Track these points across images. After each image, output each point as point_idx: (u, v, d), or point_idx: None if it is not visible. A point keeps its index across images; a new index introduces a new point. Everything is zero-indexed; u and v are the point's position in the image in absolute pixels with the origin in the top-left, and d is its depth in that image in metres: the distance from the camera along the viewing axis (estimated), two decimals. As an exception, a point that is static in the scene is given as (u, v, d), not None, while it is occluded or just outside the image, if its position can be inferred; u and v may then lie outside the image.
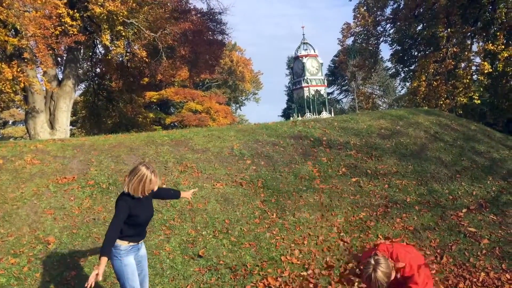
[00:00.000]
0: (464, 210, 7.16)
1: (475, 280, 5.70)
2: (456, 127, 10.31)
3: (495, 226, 6.82)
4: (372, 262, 3.42)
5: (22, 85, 13.80)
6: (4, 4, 12.08)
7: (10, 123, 49.61)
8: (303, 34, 32.18)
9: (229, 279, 5.71)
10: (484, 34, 19.31)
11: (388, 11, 22.90)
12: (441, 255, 6.22)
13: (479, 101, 19.16)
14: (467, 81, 18.61)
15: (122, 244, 4.27)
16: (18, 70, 13.39)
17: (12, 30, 14.14)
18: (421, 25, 21.79)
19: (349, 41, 25.33)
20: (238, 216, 6.84)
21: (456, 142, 9.42)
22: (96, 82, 23.74)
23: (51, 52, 14.70)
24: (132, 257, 4.33)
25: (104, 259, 4.01)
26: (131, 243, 4.31)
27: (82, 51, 19.91)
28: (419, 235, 6.63)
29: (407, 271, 3.48)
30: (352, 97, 49.26)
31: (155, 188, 4.37)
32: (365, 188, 7.69)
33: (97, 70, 23.36)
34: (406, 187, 7.77)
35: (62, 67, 18.48)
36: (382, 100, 47.64)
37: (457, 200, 7.47)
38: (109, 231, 4.10)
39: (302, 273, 5.84)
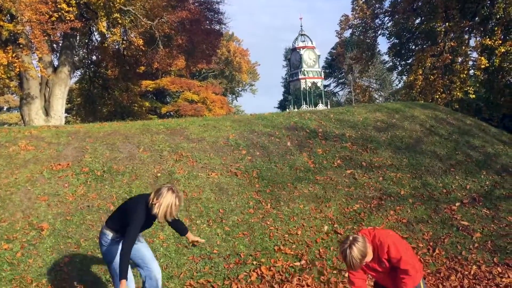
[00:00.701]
0: (457, 204, 7.20)
1: (466, 273, 5.75)
2: (451, 121, 10.34)
3: (487, 220, 6.87)
4: (350, 238, 3.50)
5: (17, 70, 13.70)
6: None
7: (5, 109, 49.31)
8: (301, 26, 32.04)
9: (223, 268, 5.74)
10: (482, 29, 19.29)
11: (386, 4, 22.84)
12: (433, 247, 6.27)
13: (474, 96, 19.19)
14: (464, 75, 18.62)
15: (110, 233, 4.27)
16: (13, 55, 13.28)
17: (8, 15, 14.01)
18: (419, 19, 21.75)
19: (347, 33, 25.30)
20: (232, 206, 6.85)
21: (451, 136, 9.45)
22: (92, 69, 23.61)
23: (46, 38, 14.60)
24: (119, 246, 4.26)
25: (123, 282, 3.93)
26: (118, 235, 4.27)
27: (78, 38, 19.77)
28: (412, 227, 6.67)
29: (392, 251, 3.53)
30: (349, 90, 49.24)
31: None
32: (360, 180, 7.71)
33: (93, 57, 23.22)
34: (400, 180, 7.80)
35: (58, 54, 18.35)
36: (379, 94, 47.65)
37: (450, 193, 7.51)
38: (127, 248, 4.00)
39: (295, 263, 5.87)
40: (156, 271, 4.49)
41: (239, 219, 6.58)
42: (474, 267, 5.86)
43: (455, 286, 5.44)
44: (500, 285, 5.43)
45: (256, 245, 6.16)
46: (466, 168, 8.26)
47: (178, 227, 4.66)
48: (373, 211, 6.93)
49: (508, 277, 5.59)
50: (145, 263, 4.46)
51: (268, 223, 6.55)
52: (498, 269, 5.80)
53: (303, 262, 5.90)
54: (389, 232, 3.73)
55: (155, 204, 4.04)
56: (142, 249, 4.48)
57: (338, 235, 6.40)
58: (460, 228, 6.64)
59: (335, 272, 5.75)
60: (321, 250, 6.10)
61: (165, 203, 4.01)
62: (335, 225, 6.59)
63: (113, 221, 4.33)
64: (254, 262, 5.86)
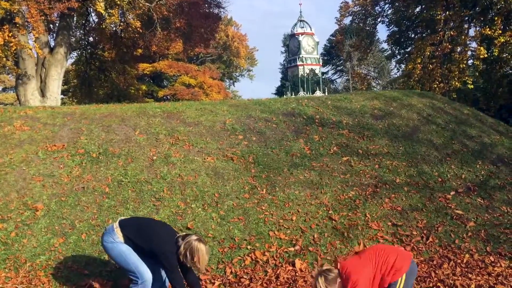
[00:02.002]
0: (452, 193, 7.23)
1: (459, 261, 5.79)
2: (449, 111, 10.33)
3: (482, 209, 6.91)
4: (324, 269, 3.82)
5: (13, 48, 13.54)
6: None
7: (0, 89, 48.92)
8: (300, 12, 31.81)
9: (217, 251, 5.75)
10: (482, 19, 19.21)
11: (387, -10, 22.68)
12: (427, 236, 6.30)
13: (472, 86, 19.17)
14: (463, 65, 18.58)
15: (120, 238, 4.28)
16: (10, 35, 13.12)
17: (4, -7, 13.79)
18: (420, 7, 21.62)
19: (347, 20, 25.14)
20: (228, 190, 6.84)
21: (448, 126, 9.45)
22: (89, 51, 23.32)
23: (43, 18, 14.38)
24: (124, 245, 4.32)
25: None
26: (127, 245, 4.30)
27: (75, 19, 19.52)
28: (407, 215, 6.69)
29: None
30: (347, 77, 49.09)
31: None
32: (356, 167, 7.71)
33: (89, 39, 22.92)
34: (396, 168, 7.81)
35: (54, 35, 18.12)
36: (377, 82, 47.54)
37: (445, 182, 7.53)
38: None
39: (289, 249, 5.90)
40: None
41: (234, 204, 6.58)
42: (467, 255, 5.90)
43: (448, 274, 5.47)
44: (492, 274, 5.46)
45: (250, 229, 6.17)
46: (462, 158, 8.28)
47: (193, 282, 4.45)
48: (368, 199, 6.95)
49: (500, 266, 5.64)
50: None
51: (263, 208, 6.56)
52: (491, 258, 5.84)
53: (297, 247, 5.92)
54: (362, 269, 3.75)
55: (194, 261, 4.09)
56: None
57: (333, 221, 6.42)
58: (454, 217, 6.67)
59: (329, 258, 5.78)
60: (315, 236, 6.13)
61: (198, 260, 4.11)
62: (330, 212, 6.60)
63: (134, 233, 4.30)
64: (249, 247, 5.88)
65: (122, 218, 4.59)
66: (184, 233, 4.35)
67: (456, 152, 8.45)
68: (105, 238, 4.32)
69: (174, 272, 4.15)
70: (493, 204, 7.03)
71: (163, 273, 4.47)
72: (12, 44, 13.04)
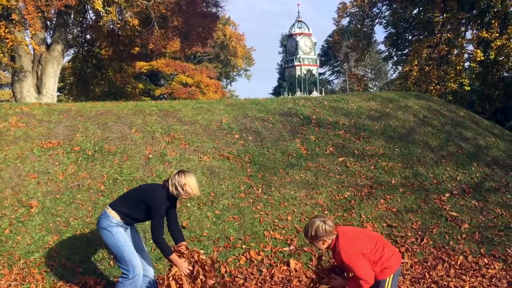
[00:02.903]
0: (447, 195, 7.25)
1: (453, 263, 5.81)
2: (445, 113, 10.36)
3: (476, 211, 6.93)
4: (325, 217, 3.65)
5: (9, 45, 13.48)
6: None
7: (-4, 86, 48.69)
8: (298, 12, 32.05)
9: (212, 251, 5.74)
10: (479, 22, 19.27)
11: (385, -8, 22.72)
12: (421, 237, 6.31)
13: (469, 88, 19.24)
14: (459, 67, 18.64)
15: (115, 217, 4.20)
16: (6, 31, 13.07)
17: (1, -11, 13.73)
18: (417, 9, 21.68)
19: (344, 21, 25.20)
20: (223, 189, 6.84)
21: (444, 128, 9.47)
22: (86, 48, 23.24)
23: (40, 14, 14.34)
24: (122, 229, 4.25)
25: (173, 257, 4.06)
26: (123, 222, 4.24)
27: (72, 16, 19.46)
28: (402, 216, 6.70)
29: (343, 255, 3.53)
30: (344, 78, 49.15)
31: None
32: (351, 168, 7.72)
33: (87, 36, 22.83)
34: (391, 169, 7.82)
35: (51, 32, 18.06)
36: (373, 83, 47.63)
37: (441, 184, 7.55)
38: (156, 237, 4.07)
39: (284, 249, 5.90)
40: (151, 273, 4.46)
41: (229, 203, 6.58)
42: (461, 257, 5.92)
43: (442, 276, 5.49)
44: (486, 276, 5.49)
45: (245, 229, 6.17)
46: (457, 160, 8.30)
47: (177, 231, 4.46)
48: (363, 199, 6.96)
49: (494, 268, 5.66)
50: (139, 252, 4.38)
51: (259, 208, 6.56)
52: (485, 260, 5.86)
53: (292, 247, 5.93)
54: (358, 242, 3.63)
55: (185, 189, 4.10)
56: (137, 235, 4.46)
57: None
58: (449, 218, 6.69)
59: (323, 258, 5.78)
60: (310, 236, 6.12)
61: (192, 181, 4.15)
62: (325, 212, 6.61)
63: (122, 206, 4.25)
64: (243, 246, 5.88)
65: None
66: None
67: (452, 154, 8.47)
68: (102, 222, 4.22)
69: (158, 223, 4.08)
70: (488, 206, 7.06)
71: (148, 260, 4.46)
72: (8, 40, 13.00)
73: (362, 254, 3.52)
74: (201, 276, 4.04)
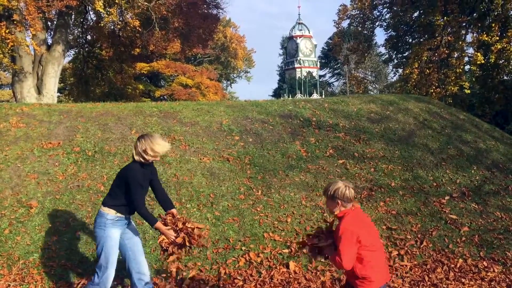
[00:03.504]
0: (447, 197, 7.25)
1: (452, 266, 5.81)
2: (445, 116, 10.37)
3: (476, 214, 6.93)
4: (350, 184, 3.59)
5: (10, 45, 13.49)
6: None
7: (-3, 86, 48.69)
8: (299, 14, 32.05)
9: (211, 252, 5.75)
10: (479, 25, 19.28)
11: (386, -5, 22.76)
12: (421, 240, 6.31)
13: (469, 91, 19.25)
14: (459, 70, 18.65)
15: (109, 213, 4.16)
16: (7, 31, 13.09)
17: (2, -10, 13.75)
18: (418, 12, 21.70)
19: (345, 23, 25.25)
20: (223, 191, 6.84)
21: (444, 130, 9.48)
22: (86, 49, 23.27)
23: (41, 15, 14.36)
24: (117, 231, 4.20)
25: (158, 226, 4.07)
26: (118, 214, 4.19)
27: (73, 17, 19.49)
28: (401, 219, 6.70)
29: (342, 225, 3.47)
30: (344, 81, 49.19)
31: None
32: (351, 170, 7.73)
33: (87, 37, 22.86)
34: (391, 171, 7.82)
35: (52, 32, 18.08)
36: (373, 86, 47.67)
37: (440, 187, 7.56)
38: (139, 209, 4.08)
39: (284, 251, 5.90)
40: (147, 278, 4.39)
41: (229, 205, 6.58)
42: (461, 260, 5.92)
43: (441, 279, 5.49)
44: (485, 279, 5.49)
45: (245, 231, 6.17)
46: (457, 163, 8.30)
47: (165, 199, 4.50)
48: (363, 202, 6.96)
49: (494, 271, 5.66)
50: (135, 255, 4.34)
51: (258, 209, 6.56)
52: (484, 263, 5.86)
53: (291, 249, 5.92)
54: (359, 224, 3.51)
55: (154, 149, 4.11)
56: (134, 238, 4.38)
57: (328, 224, 6.40)
58: (449, 221, 6.69)
59: (322, 260, 5.77)
60: (310, 238, 6.12)
61: (157, 141, 4.15)
62: (324, 214, 6.61)
63: (111, 198, 4.23)
64: (243, 248, 5.87)
65: None
66: None
67: (452, 157, 8.48)
68: (97, 221, 4.21)
69: (137, 191, 4.07)
70: (487, 210, 7.06)
71: (143, 263, 4.41)
72: (9, 41, 13.01)
73: (358, 240, 3.41)
74: (186, 243, 4.05)
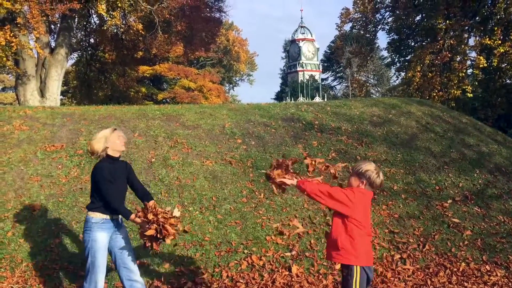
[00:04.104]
0: (449, 201, 7.24)
1: (455, 269, 5.80)
2: (447, 119, 10.36)
3: (478, 218, 6.92)
4: (379, 168, 3.68)
5: (14, 48, 13.56)
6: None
7: (0, 89, 48.91)
8: (301, 18, 31.93)
9: (213, 255, 5.75)
10: (482, 29, 19.31)
11: (388, -1, 22.80)
12: (423, 243, 6.30)
13: (471, 95, 19.25)
14: (462, 74, 18.66)
15: (94, 217, 4.11)
16: (11, 35, 13.16)
17: (6, -8, 13.83)
18: (420, 16, 21.74)
19: (347, 27, 25.26)
20: (225, 194, 6.85)
21: (447, 134, 9.47)
22: (89, 52, 23.38)
23: (44, 18, 14.44)
24: (103, 234, 4.12)
25: (132, 217, 4.05)
26: (103, 216, 4.12)
27: (76, 20, 19.60)
28: (404, 223, 6.70)
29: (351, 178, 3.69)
30: (346, 84, 49.22)
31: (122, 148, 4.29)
32: (354, 174, 7.71)
33: (90, 40, 22.99)
34: (394, 175, 7.82)
35: (55, 35, 18.19)
36: (376, 89, 47.68)
37: (443, 190, 7.55)
38: (113, 204, 4.07)
39: (286, 254, 5.89)
40: (139, 282, 4.29)
41: (231, 208, 6.58)
42: (463, 264, 5.91)
43: (443, 283, 5.48)
44: (488, 283, 5.48)
45: (247, 234, 6.17)
46: (460, 166, 8.30)
47: (144, 194, 4.50)
48: (365, 205, 6.95)
49: (496, 275, 5.65)
50: (126, 263, 4.25)
51: (261, 212, 6.56)
52: (487, 267, 5.85)
53: (294, 252, 5.92)
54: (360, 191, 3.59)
55: (115, 141, 4.18)
56: (125, 246, 4.28)
57: (330, 227, 6.40)
58: (451, 225, 6.68)
59: (325, 264, 5.77)
60: (312, 242, 6.13)
61: (114, 134, 4.21)
62: (327, 217, 6.61)
63: (92, 201, 4.21)
64: (245, 251, 5.87)
65: None
66: None
67: (454, 160, 8.47)
68: (84, 225, 4.18)
69: (105, 187, 4.07)
70: (490, 213, 7.05)
71: (134, 269, 4.32)
72: (13, 44, 13.08)
73: (352, 201, 3.45)
74: (158, 235, 3.96)
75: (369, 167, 3.55)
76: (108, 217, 4.16)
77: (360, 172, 3.56)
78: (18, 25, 13.98)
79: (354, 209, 3.47)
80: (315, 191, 3.53)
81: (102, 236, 4.13)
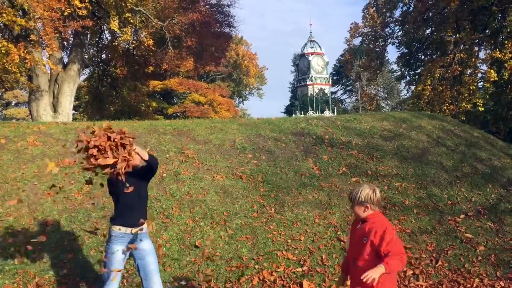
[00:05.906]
0: (462, 216, 7.17)
1: (469, 286, 5.72)
2: (459, 133, 10.31)
3: (492, 233, 6.84)
4: (371, 184, 3.69)
5: (28, 65, 13.80)
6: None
7: (13, 104, 49.59)
8: (310, 32, 32.26)
9: (224, 270, 5.74)
10: (492, 42, 19.27)
11: (397, 13, 22.94)
12: (436, 259, 6.24)
13: (483, 109, 19.14)
14: (473, 87, 18.58)
15: (114, 230, 4.23)
16: (26, 51, 13.40)
17: (20, 10, 14.12)
18: (430, 29, 21.76)
19: (357, 41, 25.35)
20: (236, 209, 6.85)
21: (458, 148, 9.42)
22: (101, 68, 23.71)
23: (57, 35, 14.69)
24: (121, 246, 4.22)
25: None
26: (122, 229, 4.22)
27: (88, 37, 19.90)
28: (416, 238, 6.64)
29: (381, 223, 3.48)
30: (356, 97, 49.21)
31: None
32: (365, 188, 7.68)
33: (102, 56, 23.32)
34: (405, 189, 7.78)
35: (68, 51, 18.47)
36: (386, 103, 47.59)
37: (455, 205, 7.48)
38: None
39: (297, 269, 5.87)
40: (157, 286, 4.39)
41: (242, 223, 6.58)
42: (477, 280, 5.83)
43: (457, 299, 5.41)
44: (503, 300, 5.40)
45: (258, 249, 6.15)
46: (472, 181, 8.23)
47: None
48: (377, 220, 6.91)
49: (511, 291, 5.56)
50: (147, 275, 4.35)
51: (272, 227, 6.55)
52: (501, 283, 5.76)
53: (305, 268, 5.89)
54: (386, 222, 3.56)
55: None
56: (146, 258, 4.37)
57: (342, 242, 6.39)
58: (464, 240, 6.61)
59: (336, 279, 5.73)
60: (323, 257, 6.09)
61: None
62: (338, 232, 6.58)
63: (113, 214, 4.40)
64: (256, 266, 5.86)
65: None
66: None
67: (466, 175, 8.41)
68: (108, 236, 4.35)
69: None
70: (503, 228, 6.96)
71: (156, 281, 4.41)
72: (27, 60, 13.30)
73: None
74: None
75: (364, 191, 3.58)
76: (128, 231, 4.25)
77: (360, 201, 3.58)
78: (32, 42, 14.23)
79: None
80: (402, 261, 3.46)
81: (118, 248, 4.23)
